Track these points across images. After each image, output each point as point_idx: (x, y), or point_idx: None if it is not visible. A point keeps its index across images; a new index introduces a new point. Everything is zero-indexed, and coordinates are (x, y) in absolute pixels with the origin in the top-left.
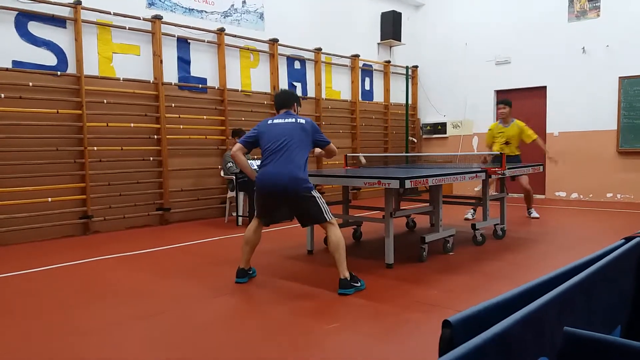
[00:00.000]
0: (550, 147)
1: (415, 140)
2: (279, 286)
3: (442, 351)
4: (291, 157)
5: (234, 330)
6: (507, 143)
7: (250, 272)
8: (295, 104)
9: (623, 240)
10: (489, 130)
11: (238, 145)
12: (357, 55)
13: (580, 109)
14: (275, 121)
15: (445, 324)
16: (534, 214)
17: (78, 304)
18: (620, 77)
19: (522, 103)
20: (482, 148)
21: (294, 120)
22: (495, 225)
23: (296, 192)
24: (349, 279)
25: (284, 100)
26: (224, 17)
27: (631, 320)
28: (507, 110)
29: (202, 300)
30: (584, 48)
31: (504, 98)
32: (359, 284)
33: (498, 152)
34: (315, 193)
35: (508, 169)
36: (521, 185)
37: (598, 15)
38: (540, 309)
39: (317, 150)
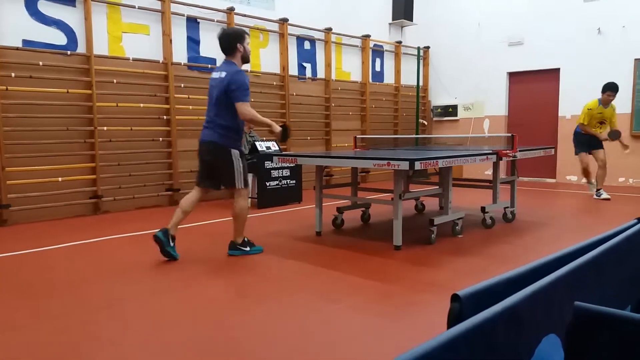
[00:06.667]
0: (561, 130)
1: (426, 123)
2: (288, 266)
3: (451, 325)
4: (214, 116)
5: (241, 310)
6: (602, 122)
7: (172, 244)
8: (238, 44)
9: (635, 220)
10: (589, 109)
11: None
12: (367, 36)
13: (594, 92)
14: (213, 75)
15: (454, 297)
16: (604, 194)
17: (89, 281)
18: (636, 59)
19: (534, 85)
20: (492, 130)
21: (219, 74)
22: (505, 208)
23: (214, 151)
24: (238, 242)
25: (224, 46)
26: None
27: None
28: (613, 98)
29: (212, 278)
30: (599, 29)
31: (613, 83)
32: (247, 248)
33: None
34: (234, 156)
35: (519, 151)
36: (600, 159)
37: None
38: (550, 286)
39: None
